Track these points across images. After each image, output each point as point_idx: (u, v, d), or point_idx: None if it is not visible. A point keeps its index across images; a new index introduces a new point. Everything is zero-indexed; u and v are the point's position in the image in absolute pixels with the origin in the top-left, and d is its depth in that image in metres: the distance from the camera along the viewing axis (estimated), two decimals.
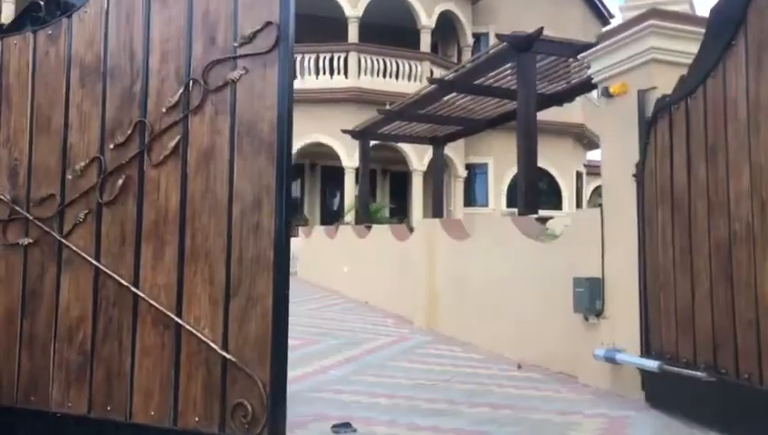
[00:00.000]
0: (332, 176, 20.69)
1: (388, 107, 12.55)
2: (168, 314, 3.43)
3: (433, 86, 10.73)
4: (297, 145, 18.44)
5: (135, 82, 3.63)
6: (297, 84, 18.12)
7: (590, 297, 5.98)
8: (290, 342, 8.16)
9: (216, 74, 3.46)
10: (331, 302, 12.08)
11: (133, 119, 3.62)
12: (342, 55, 18.45)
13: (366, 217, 13.88)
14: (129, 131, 3.61)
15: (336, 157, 18.48)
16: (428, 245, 9.60)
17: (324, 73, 18.45)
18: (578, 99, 14.28)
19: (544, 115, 12.51)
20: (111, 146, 3.66)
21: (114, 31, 3.69)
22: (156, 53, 3.59)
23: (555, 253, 6.88)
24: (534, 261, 7.23)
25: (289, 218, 3.34)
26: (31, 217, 3.79)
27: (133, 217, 3.57)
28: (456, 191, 21.37)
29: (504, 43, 8.71)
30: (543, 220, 7.96)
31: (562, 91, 10.94)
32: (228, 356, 3.35)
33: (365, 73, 18.47)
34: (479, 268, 8.42)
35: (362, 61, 18.49)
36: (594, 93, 9.58)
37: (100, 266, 3.60)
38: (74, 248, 3.67)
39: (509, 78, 10.08)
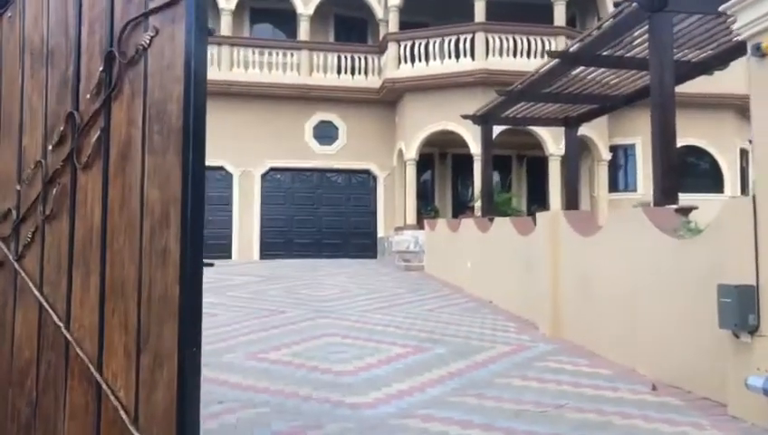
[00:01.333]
0: (463, 164, 19.78)
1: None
2: (90, 366, 2.73)
3: (555, 61, 9.54)
4: (424, 133, 17.76)
5: (69, 65, 2.96)
6: (422, 70, 17.55)
7: (741, 310, 4.75)
8: (393, 350, 7.55)
9: (131, 41, 2.72)
10: (451, 301, 11.26)
11: (67, 110, 2.95)
12: (468, 36, 17.46)
13: (490, 208, 12.90)
14: (62, 127, 2.93)
15: (465, 144, 17.59)
16: (552, 240, 8.51)
17: (450, 57, 17.58)
18: (738, 65, 12.33)
19: (694, 87, 10.86)
20: (50, 147, 3.01)
21: (53, 3, 3.05)
22: (86, 24, 2.91)
23: (696, 252, 5.64)
24: (671, 261, 6.01)
25: (201, 241, 2.44)
26: None
27: (66, 236, 2.88)
28: (600, 176, 19.65)
29: (633, 4, 7.41)
30: (686, 211, 6.63)
31: (712, 58, 9.31)
32: None
33: (493, 54, 17.37)
34: (608, 268, 7.25)
35: (490, 40, 17.39)
36: None
37: (41, 298, 2.96)
38: (23, 274, 3.06)
39: (645, 46, 8.68)
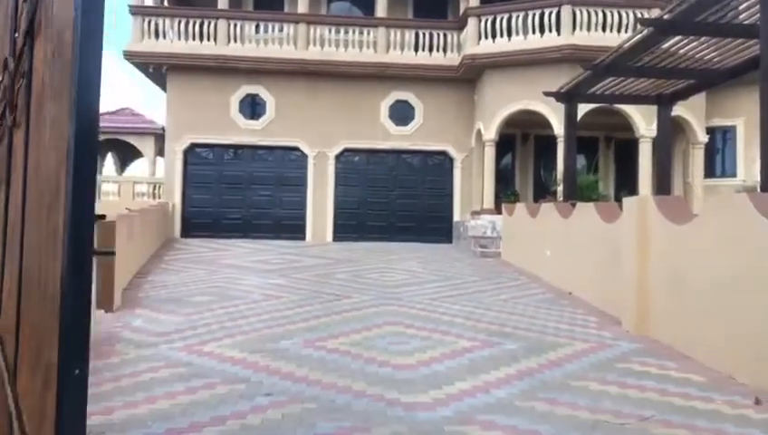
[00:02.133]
0: (546, 147, 18.80)
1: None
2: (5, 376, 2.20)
3: (647, 30, 8.61)
4: (505, 113, 16.93)
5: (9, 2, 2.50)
6: (504, 46, 16.66)
7: None
8: (460, 343, 7.01)
9: None
10: (527, 291, 10.56)
11: (5, 56, 2.47)
12: (554, 10, 16.43)
13: (573, 193, 12.03)
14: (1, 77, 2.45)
15: (549, 125, 16.65)
16: (639, 228, 7.70)
17: (534, 32, 16.60)
18: None
19: None
20: None
21: None
22: None
23: None
24: None
25: (91, 222, 1.72)
26: None
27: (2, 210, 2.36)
28: (695, 160, 18.21)
29: None
30: None
31: None
32: None
33: (580, 28, 16.27)
34: (704, 260, 6.43)
35: (577, 14, 16.30)
36: None
37: None
38: None
39: (754, 10, 7.68)
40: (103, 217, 12.13)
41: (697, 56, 9.92)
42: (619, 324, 7.97)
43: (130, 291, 9.92)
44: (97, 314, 8.01)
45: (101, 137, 26.44)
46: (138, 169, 30.67)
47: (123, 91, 75.04)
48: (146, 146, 26.11)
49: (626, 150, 19.53)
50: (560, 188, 14.31)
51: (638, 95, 12.15)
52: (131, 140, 26.35)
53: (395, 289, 10.36)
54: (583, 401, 5.10)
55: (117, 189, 24.06)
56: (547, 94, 12.67)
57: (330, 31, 18.25)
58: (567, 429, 4.49)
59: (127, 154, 29.39)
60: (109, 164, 30.59)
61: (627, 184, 18.83)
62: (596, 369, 6.14)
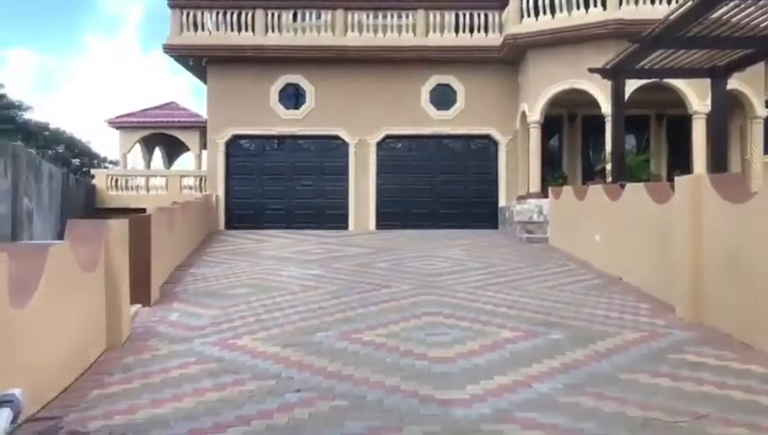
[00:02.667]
0: (595, 127, 18.14)
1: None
2: None
3: None
4: (550, 93, 16.37)
5: None
6: (547, 23, 16.01)
7: None
8: (502, 334, 6.68)
9: None
10: (574, 277, 10.13)
11: None
12: None
13: (622, 173, 11.47)
14: None
15: (597, 104, 16.01)
16: (693, 208, 7.22)
17: (578, 7, 15.95)
18: None
19: None
20: None
21: None
22: None
23: None
24: None
25: None
26: None
27: None
28: (754, 135, 17.27)
29: None
30: None
31: None
32: None
33: (627, 2, 15.55)
34: (766, 242, 5.93)
35: None
36: None
37: None
38: None
39: None
40: (143, 210, 12.22)
41: (753, 23, 9.27)
42: (673, 311, 7.51)
43: (171, 284, 9.89)
44: (133, 310, 7.98)
45: (147, 131, 26.87)
46: (185, 163, 31.08)
47: (170, 86, 76.40)
48: (191, 139, 26.30)
49: (679, 128, 18.69)
50: (608, 169, 13.73)
51: (690, 68, 11.50)
52: (177, 133, 26.59)
53: (436, 278, 10.06)
54: (633, 397, 4.74)
55: (165, 183, 24.37)
56: (592, 71, 12.12)
57: (368, 16, 17.96)
58: (614, 427, 4.15)
59: (174, 148, 29.72)
60: (157, 158, 31.05)
61: (680, 163, 17.99)
62: (647, 360, 5.74)
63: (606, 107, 15.60)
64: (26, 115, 39.20)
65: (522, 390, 4.95)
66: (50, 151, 40.44)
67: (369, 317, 7.49)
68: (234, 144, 18.28)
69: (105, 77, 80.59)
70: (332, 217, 17.85)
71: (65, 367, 5.25)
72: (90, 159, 42.44)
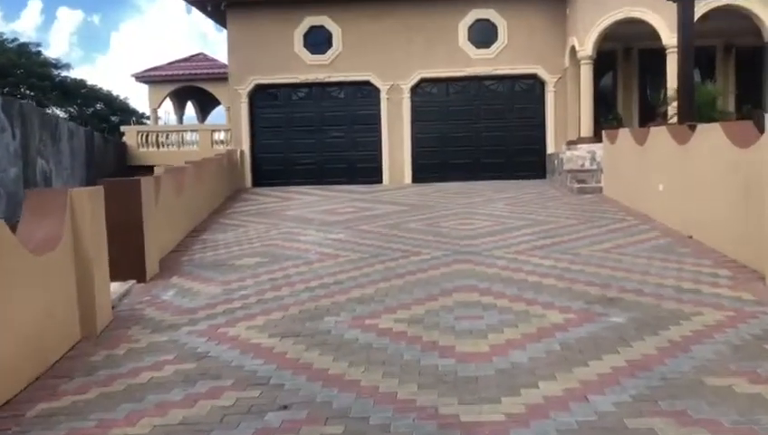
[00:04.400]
0: (654, 62, 16.30)
1: None
2: None
3: None
4: (604, 24, 14.62)
5: None
6: None
7: None
8: (549, 317, 5.37)
9: None
10: (635, 236, 8.73)
11: None
12: None
13: (690, 113, 9.86)
14: None
15: (656, 36, 14.21)
16: None
17: None
18: None
19: None
20: None
21: None
22: None
23: None
24: None
25: None
26: None
27: None
28: None
29: None
30: None
31: None
32: None
33: None
34: None
35: None
36: None
37: None
38: None
39: None
40: (150, 169, 11.22)
41: None
42: (763, 281, 6.12)
43: (177, 253, 8.92)
44: (125, 287, 7.00)
45: (175, 85, 25.89)
46: (220, 117, 30.08)
47: (214, 42, 75.45)
48: (222, 92, 25.17)
49: (750, 59, 16.70)
50: (671, 109, 12.07)
51: None
52: (207, 86, 25.53)
53: (474, 241, 8.80)
54: (727, 416, 3.50)
55: (196, 138, 23.51)
56: None
57: None
58: None
59: (207, 102, 28.73)
60: (190, 113, 30.19)
61: (751, 99, 16.07)
62: (739, 354, 4.45)
63: (668, 37, 13.85)
64: (64, 73, 38.70)
65: (575, 404, 3.74)
66: (89, 109, 40.15)
67: (390, 294, 6.33)
68: (258, 94, 17.09)
69: (150, 35, 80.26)
70: (365, 170, 16.60)
71: (10, 374, 4.26)
72: (128, 115, 41.98)
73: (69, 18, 73.13)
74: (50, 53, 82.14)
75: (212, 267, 7.98)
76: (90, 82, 39.56)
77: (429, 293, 6.30)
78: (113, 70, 72.04)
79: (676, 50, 13.85)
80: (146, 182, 7.67)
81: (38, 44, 38.23)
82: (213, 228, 10.87)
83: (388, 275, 7.10)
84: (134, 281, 7.34)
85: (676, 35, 13.77)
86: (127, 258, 7.30)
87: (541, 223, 9.93)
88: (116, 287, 7.01)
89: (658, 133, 9.62)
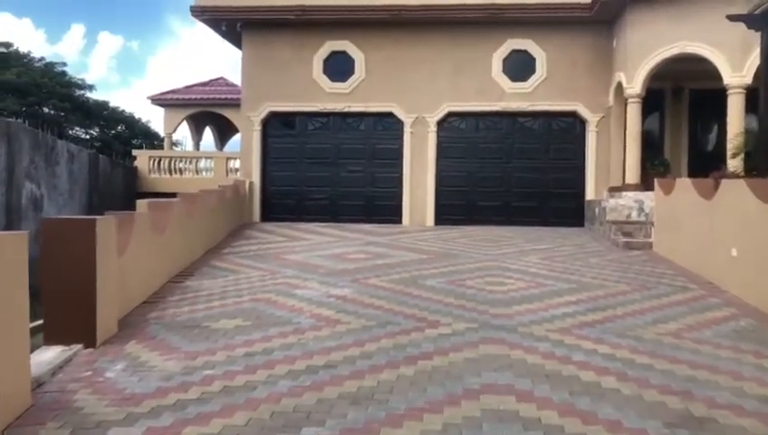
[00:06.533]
0: (707, 103, 14.73)
1: None
2: None
3: None
4: (655, 60, 13.10)
5: None
6: None
7: None
8: None
9: None
10: (708, 313, 7.07)
11: None
12: None
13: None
14: None
15: (713, 74, 12.66)
16: None
17: None
18: None
19: None
20: None
21: None
22: None
23: None
24: None
25: None
26: None
27: None
28: None
29: None
30: None
31: None
32: None
33: None
34: None
35: None
36: None
37: None
38: None
39: None
40: (162, 196, 9.81)
41: None
42: None
43: (148, 306, 7.45)
44: (66, 354, 5.54)
45: (192, 110, 24.82)
46: (238, 144, 28.95)
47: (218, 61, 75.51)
48: (240, 118, 24.01)
49: None
50: (738, 158, 10.45)
51: None
52: (225, 112, 24.44)
53: (506, 309, 7.19)
54: None
55: (211, 166, 22.34)
56: (732, 18, 8.87)
57: None
58: None
59: (226, 128, 27.62)
60: (208, 139, 29.13)
61: None
62: None
63: (729, 76, 12.33)
64: (87, 94, 38.12)
65: None
66: (110, 131, 39.50)
67: (396, 391, 4.75)
68: (271, 122, 15.76)
69: (185, 60, 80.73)
70: (384, 209, 15.11)
71: None
72: (151, 139, 41.23)
73: (110, 43, 74.40)
74: (88, 76, 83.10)
75: (181, 330, 6.49)
76: (124, 105, 39.22)
77: (449, 392, 4.71)
78: (147, 93, 72.55)
79: (740, 90, 12.37)
80: (104, 223, 6.22)
81: (64, 64, 37.66)
82: (202, 272, 9.41)
83: (395, 357, 5.53)
84: (80, 346, 5.88)
85: (740, 72, 12.30)
86: (73, 318, 5.89)
87: (586, 287, 8.29)
88: (52, 357, 5.57)
89: (734, 187, 8.00)
